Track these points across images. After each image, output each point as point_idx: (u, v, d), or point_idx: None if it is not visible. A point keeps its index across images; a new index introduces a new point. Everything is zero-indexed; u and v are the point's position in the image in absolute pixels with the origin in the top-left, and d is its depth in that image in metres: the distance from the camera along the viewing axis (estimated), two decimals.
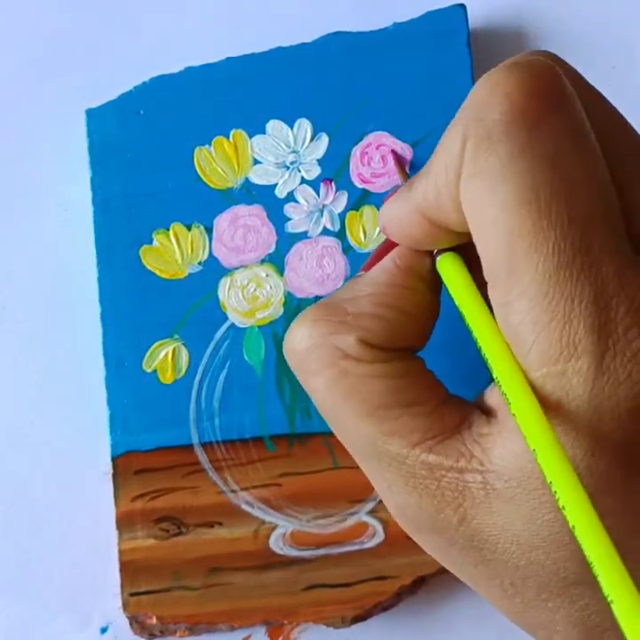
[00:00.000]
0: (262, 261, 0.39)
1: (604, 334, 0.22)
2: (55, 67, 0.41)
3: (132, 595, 0.38)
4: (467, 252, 0.27)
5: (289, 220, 0.39)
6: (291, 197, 0.39)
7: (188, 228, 0.39)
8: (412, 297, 0.27)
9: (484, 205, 0.23)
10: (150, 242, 0.39)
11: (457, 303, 0.26)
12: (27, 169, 0.40)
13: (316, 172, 0.39)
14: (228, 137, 0.39)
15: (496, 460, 0.24)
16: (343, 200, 0.39)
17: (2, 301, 0.40)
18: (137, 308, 0.38)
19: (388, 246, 0.29)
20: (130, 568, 0.38)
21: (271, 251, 0.39)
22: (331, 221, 0.39)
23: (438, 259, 0.27)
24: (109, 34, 0.41)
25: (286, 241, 0.39)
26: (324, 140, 0.39)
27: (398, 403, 0.25)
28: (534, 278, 0.22)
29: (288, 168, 0.39)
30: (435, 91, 0.38)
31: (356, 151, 0.39)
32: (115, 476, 0.38)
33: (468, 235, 0.26)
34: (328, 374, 0.26)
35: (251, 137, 0.39)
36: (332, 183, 0.39)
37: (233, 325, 0.39)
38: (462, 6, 0.38)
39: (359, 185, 0.39)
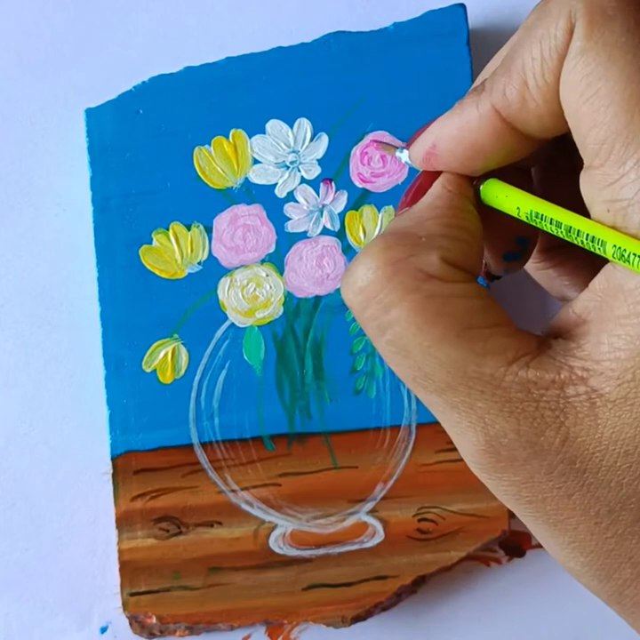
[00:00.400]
0: (262, 261, 0.39)
1: None
2: (55, 67, 0.41)
3: (131, 594, 0.38)
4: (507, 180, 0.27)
5: (289, 219, 0.39)
6: (290, 197, 0.39)
7: (188, 227, 0.39)
8: (472, 219, 0.26)
9: (599, 78, 0.23)
10: (150, 242, 0.39)
11: (529, 209, 0.26)
12: (26, 168, 0.40)
13: (315, 171, 0.39)
14: (227, 137, 0.39)
15: (604, 357, 0.23)
16: (343, 200, 0.39)
17: (1, 301, 0.40)
18: (136, 307, 0.38)
19: (425, 181, 0.28)
20: (129, 568, 0.38)
21: (271, 250, 0.39)
22: (330, 221, 0.39)
23: (484, 184, 0.27)
24: (109, 34, 0.41)
25: (286, 241, 0.39)
26: (323, 140, 0.39)
27: (486, 322, 0.24)
28: None
29: (288, 168, 0.39)
30: (435, 90, 0.38)
31: (356, 151, 0.39)
32: (114, 475, 0.38)
33: (537, 143, 0.26)
34: (412, 299, 0.24)
35: (250, 137, 0.39)
36: (332, 183, 0.39)
37: (232, 325, 0.39)
38: (462, 6, 0.38)
39: (359, 185, 0.39)
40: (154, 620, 0.38)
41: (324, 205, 0.39)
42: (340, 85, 0.39)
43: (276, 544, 0.38)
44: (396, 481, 0.38)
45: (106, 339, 0.38)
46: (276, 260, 0.39)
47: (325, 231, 0.39)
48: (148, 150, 0.39)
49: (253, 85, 0.39)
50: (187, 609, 0.38)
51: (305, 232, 0.39)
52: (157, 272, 0.39)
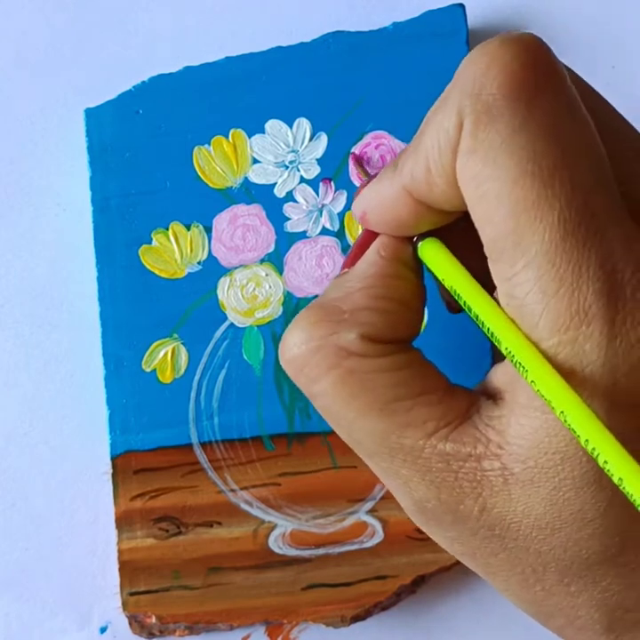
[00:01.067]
0: (261, 261, 0.39)
1: (613, 298, 0.22)
2: (55, 67, 0.41)
3: (131, 594, 0.38)
4: (446, 237, 0.27)
5: (288, 219, 0.39)
6: (290, 197, 0.39)
7: (188, 227, 0.39)
8: (403, 286, 0.27)
9: (486, 179, 0.23)
10: (149, 241, 0.39)
11: (449, 284, 0.26)
12: (26, 169, 0.40)
13: (315, 171, 0.39)
14: (227, 136, 0.39)
15: (512, 440, 0.24)
16: (342, 199, 0.39)
17: (1, 301, 0.40)
18: (136, 307, 0.38)
19: (365, 239, 0.28)
20: (129, 567, 0.38)
21: (270, 250, 0.39)
22: (330, 221, 0.39)
23: (420, 244, 0.27)
24: (108, 34, 0.41)
25: (285, 240, 0.39)
26: (323, 140, 0.39)
27: (407, 394, 0.25)
28: (541, 248, 0.22)
29: (287, 167, 0.39)
30: (434, 90, 0.38)
31: (356, 150, 0.39)
32: (114, 475, 0.38)
33: (455, 213, 0.26)
34: (333, 376, 0.25)
35: (250, 136, 0.39)
36: (332, 183, 0.39)
37: (232, 325, 0.39)
38: (461, 6, 0.38)
39: (359, 184, 0.39)
40: (153, 619, 0.38)
41: (323, 205, 0.39)
42: (340, 85, 0.39)
43: (276, 544, 0.38)
44: None
45: (105, 338, 0.38)
46: (276, 260, 0.39)
47: (325, 231, 0.39)
48: (147, 150, 0.39)
49: (253, 85, 0.39)
50: (186, 609, 0.38)
51: (304, 232, 0.39)
52: (157, 272, 0.39)
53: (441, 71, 0.38)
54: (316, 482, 0.38)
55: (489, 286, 0.25)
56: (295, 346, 0.26)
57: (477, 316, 0.25)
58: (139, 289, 0.38)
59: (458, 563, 0.38)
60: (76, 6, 0.41)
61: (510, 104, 0.23)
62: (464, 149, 0.23)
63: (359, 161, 0.37)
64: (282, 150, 0.39)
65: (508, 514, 0.24)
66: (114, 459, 0.38)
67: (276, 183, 0.39)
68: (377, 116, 0.38)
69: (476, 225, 0.24)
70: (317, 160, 0.39)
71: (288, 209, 0.39)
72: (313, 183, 0.39)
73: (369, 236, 0.28)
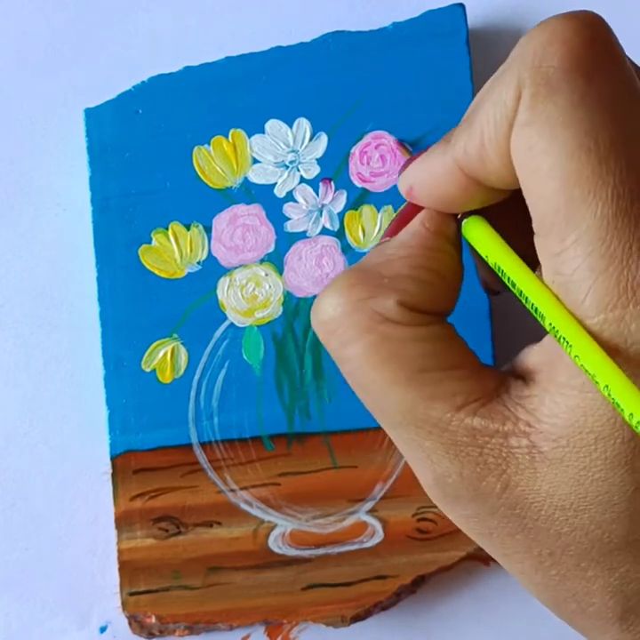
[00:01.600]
0: (261, 261, 0.39)
1: None
2: (55, 67, 0.41)
3: (131, 594, 0.38)
4: (490, 218, 0.27)
5: (288, 219, 0.39)
6: (290, 197, 0.39)
7: (187, 227, 0.39)
8: (445, 259, 0.27)
9: (541, 152, 0.23)
10: (149, 241, 0.39)
11: (494, 261, 0.26)
12: (25, 168, 0.40)
13: (315, 171, 0.39)
14: (226, 136, 0.39)
15: (544, 418, 0.23)
16: (342, 199, 0.39)
17: (1, 301, 0.40)
18: (136, 307, 0.38)
19: (410, 211, 0.28)
20: (129, 567, 0.38)
21: (270, 250, 0.39)
22: (330, 221, 0.39)
23: (465, 222, 0.27)
24: (108, 34, 0.41)
25: (285, 240, 0.39)
26: (323, 140, 0.39)
27: (439, 366, 0.25)
28: (592, 224, 0.22)
29: (287, 167, 0.39)
30: (434, 90, 0.38)
31: (356, 150, 0.39)
32: (114, 475, 0.38)
33: (505, 192, 0.26)
34: (367, 340, 0.25)
35: (250, 136, 0.39)
36: (332, 182, 0.39)
37: (232, 325, 0.39)
38: (461, 6, 0.38)
39: (358, 184, 0.39)
40: (153, 619, 0.38)
41: (323, 205, 0.39)
42: (340, 85, 0.39)
43: (276, 544, 0.38)
44: (395, 480, 0.38)
45: (105, 338, 0.38)
46: (276, 260, 0.39)
47: (325, 231, 0.39)
48: (147, 150, 0.39)
49: (253, 85, 0.39)
50: (186, 609, 0.38)
51: (304, 232, 0.39)
52: (157, 272, 0.39)
53: (441, 71, 0.38)
54: (315, 482, 0.38)
55: (532, 267, 0.25)
56: (331, 307, 0.26)
57: (521, 292, 0.25)
58: (138, 289, 0.38)
59: (458, 562, 0.38)
60: (76, 6, 0.41)
61: (570, 77, 0.23)
62: (521, 121, 0.23)
63: (404, 146, 0.37)
64: (282, 150, 0.39)
65: (532, 493, 0.24)
66: (113, 459, 0.38)
67: (275, 183, 0.39)
68: (377, 115, 0.38)
69: (527, 199, 0.24)
70: (317, 160, 0.39)
71: (288, 209, 0.39)
72: (313, 183, 0.39)
73: (413, 209, 0.28)
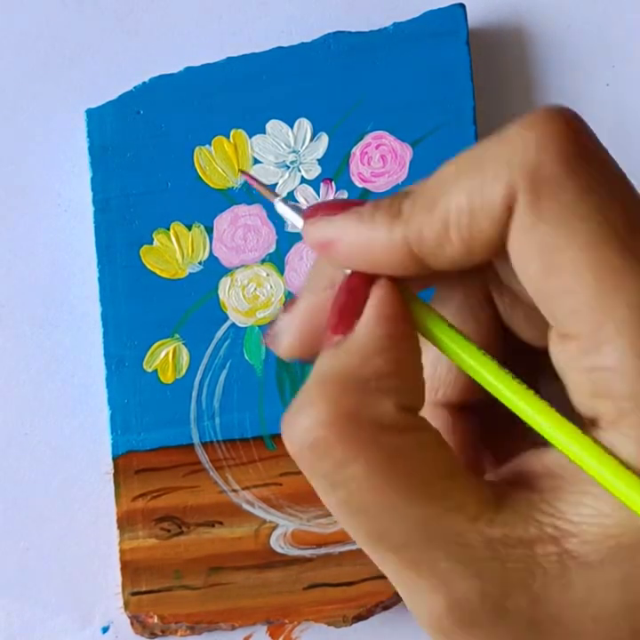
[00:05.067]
0: (262, 261, 0.39)
1: None
2: (55, 67, 0.41)
3: (133, 594, 0.38)
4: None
5: None
6: (291, 197, 0.39)
7: (189, 227, 0.39)
8: (412, 345, 0.24)
9: (558, 251, 0.22)
10: (150, 241, 0.39)
11: (465, 365, 0.24)
12: (27, 169, 0.40)
13: (316, 171, 0.39)
14: (228, 137, 0.39)
15: (584, 519, 0.22)
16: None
17: (2, 301, 0.40)
18: (137, 307, 0.38)
19: (353, 299, 0.24)
20: (131, 567, 0.38)
21: (271, 250, 0.39)
22: None
23: (415, 308, 0.25)
24: (109, 34, 0.41)
25: (286, 240, 0.39)
26: (323, 140, 0.39)
27: (444, 474, 0.23)
28: (631, 312, 0.21)
29: (288, 168, 0.39)
30: (434, 90, 0.38)
31: (356, 151, 0.39)
32: (115, 475, 0.38)
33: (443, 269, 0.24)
34: (368, 457, 0.22)
35: (251, 137, 0.39)
36: (332, 183, 0.39)
37: (233, 325, 0.39)
38: (461, 6, 0.38)
39: (359, 184, 0.39)
40: (155, 619, 0.38)
41: None
42: (340, 85, 0.39)
43: (277, 543, 0.38)
44: None
45: (107, 339, 0.38)
46: (277, 260, 0.39)
47: None
48: (148, 150, 0.39)
49: (253, 86, 0.39)
50: (188, 608, 0.38)
51: None
52: (158, 272, 0.39)
53: (441, 71, 0.38)
54: None
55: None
56: (315, 429, 0.22)
57: (524, 413, 0.23)
58: (140, 289, 0.38)
59: None
60: (77, 6, 0.41)
61: (569, 174, 0.22)
62: (525, 224, 0.22)
63: (258, 181, 0.35)
64: (282, 150, 0.39)
65: (564, 606, 0.22)
66: (115, 459, 0.38)
67: (276, 183, 0.39)
68: (377, 115, 0.38)
69: (544, 299, 0.23)
70: (318, 160, 0.39)
71: None
72: (314, 183, 0.39)
73: (355, 288, 0.24)
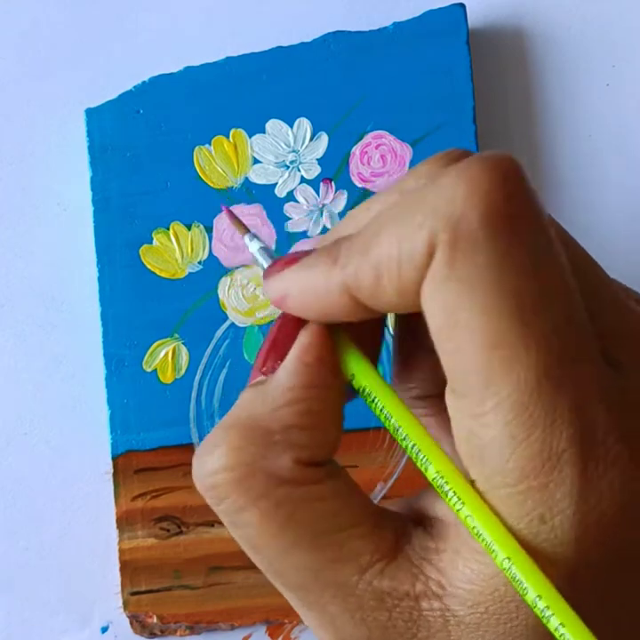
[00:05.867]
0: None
1: (586, 443, 0.21)
2: (55, 67, 0.41)
3: (132, 594, 0.38)
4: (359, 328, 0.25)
5: (289, 219, 0.39)
6: (290, 197, 0.39)
7: (188, 227, 0.39)
8: (330, 396, 0.24)
9: (461, 309, 0.21)
10: (150, 241, 0.39)
11: (379, 412, 0.24)
12: (27, 169, 0.40)
13: (315, 171, 0.39)
14: (227, 136, 0.39)
15: (458, 583, 0.22)
16: (343, 199, 0.39)
17: (2, 301, 0.40)
18: (137, 307, 0.38)
19: (283, 336, 0.25)
20: (130, 567, 0.38)
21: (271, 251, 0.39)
22: (330, 221, 0.39)
23: (344, 356, 0.25)
24: (109, 34, 0.41)
25: (286, 240, 0.39)
26: (323, 140, 0.39)
27: (340, 526, 0.23)
28: (515, 390, 0.21)
29: (288, 167, 0.39)
30: (434, 90, 0.38)
31: (356, 150, 0.39)
32: (115, 475, 0.38)
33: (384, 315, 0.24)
34: (262, 506, 0.23)
35: (250, 136, 0.39)
36: (332, 182, 0.39)
37: (233, 325, 0.39)
38: (462, 6, 0.38)
39: (359, 184, 0.39)
40: (154, 619, 0.38)
41: (323, 205, 0.39)
42: (340, 85, 0.39)
43: None
44: (396, 480, 0.38)
45: (106, 338, 0.38)
46: None
47: (325, 231, 0.39)
48: (148, 150, 0.39)
49: (253, 85, 0.39)
50: (187, 608, 0.38)
51: (305, 232, 0.39)
52: (158, 272, 0.39)
53: (441, 71, 0.38)
54: None
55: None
56: (216, 473, 0.23)
57: (418, 455, 0.23)
58: (139, 289, 0.38)
59: None
60: (76, 6, 0.41)
61: (490, 235, 0.21)
62: (437, 277, 0.22)
63: (234, 217, 0.35)
64: (282, 150, 0.39)
65: None
66: (115, 458, 0.38)
67: (276, 183, 0.39)
68: (377, 115, 0.38)
69: (442, 354, 0.22)
70: (318, 160, 0.39)
71: (289, 209, 0.39)
72: (313, 183, 0.39)
73: (286, 330, 0.25)
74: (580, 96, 0.40)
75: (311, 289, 0.24)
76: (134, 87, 0.39)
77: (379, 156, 0.39)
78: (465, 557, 0.22)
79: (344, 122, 0.39)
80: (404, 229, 0.22)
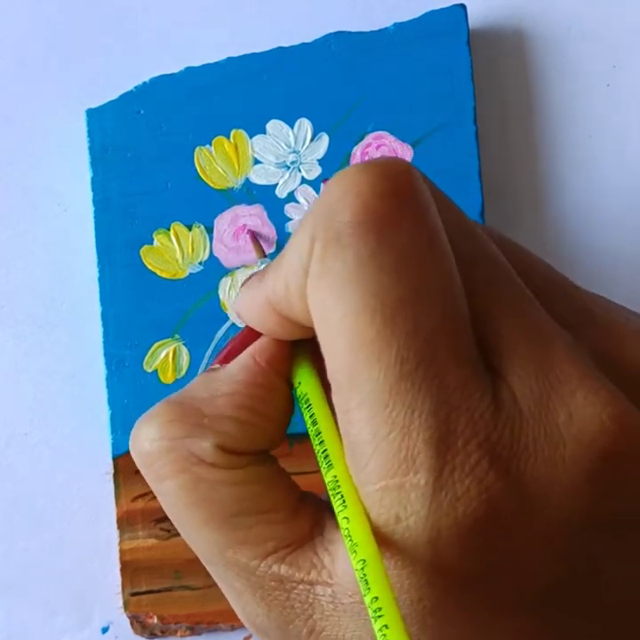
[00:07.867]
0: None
1: (442, 447, 0.21)
2: (55, 67, 0.41)
3: (132, 594, 0.38)
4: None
5: (289, 220, 0.39)
6: (291, 197, 0.39)
7: (189, 227, 0.39)
8: (272, 398, 0.25)
9: (329, 308, 0.22)
10: (151, 242, 0.39)
11: (308, 417, 0.25)
12: (27, 169, 0.40)
13: (316, 171, 0.39)
14: (228, 137, 0.39)
15: (340, 573, 0.23)
16: None
17: (2, 301, 0.40)
18: (137, 307, 0.38)
19: (245, 338, 0.26)
20: (130, 568, 0.38)
21: (272, 251, 0.39)
22: None
23: (295, 365, 0.26)
24: (109, 34, 0.41)
25: (286, 241, 0.39)
26: (324, 140, 0.39)
27: (252, 510, 0.24)
28: (375, 388, 0.21)
29: (288, 168, 0.39)
30: (435, 90, 0.38)
31: (357, 151, 0.39)
32: (115, 475, 0.38)
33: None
34: (180, 480, 0.25)
35: (251, 137, 0.39)
36: None
37: (234, 325, 0.39)
38: (462, 6, 0.38)
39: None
40: (155, 620, 0.38)
41: None
42: (341, 85, 0.39)
43: None
44: None
45: (107, 339, 0.38)
46: None
47: None
48: (148, 150, 0.39)
49: (254, 85, 0.39)
50: (188, 609, 0.38)
51: None
52: (158, 272, 0.39)
53: (442, 71, 0.38)
54: (317, 482, 0.38)
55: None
56: (147, 441, 0.25)
57: (323, 448, 0.24)
58: (140, 289, 0.38)
59: None
60: (77, 6, 0.41)
61: (360, 233, 0.22)
62: (313, 274, 0.22)
63: (258, 241, 0.35)
64: (283, 151, 0.39)
65: (337, 638, 0.24)
66: (115, 459, 0.38)
67: (277, 184, 0.39)
68: (378, 116, 0.39)
69: (322, 351, 0.23)
70: (318, 160, 0.39)
71: (289, 209, 0.39)
72: (314, 184, 0.39)
73: (249, 334, 0.27)
74: (580, 96, 0.40)
75: (249, 307, 0.26)
76: (135, 87, 0.39)
77: (379, 156, 0.39)
78: (343, 549, 0.23)
79: (345, 122, 0.39)
80: (299, 236, 0.23)
